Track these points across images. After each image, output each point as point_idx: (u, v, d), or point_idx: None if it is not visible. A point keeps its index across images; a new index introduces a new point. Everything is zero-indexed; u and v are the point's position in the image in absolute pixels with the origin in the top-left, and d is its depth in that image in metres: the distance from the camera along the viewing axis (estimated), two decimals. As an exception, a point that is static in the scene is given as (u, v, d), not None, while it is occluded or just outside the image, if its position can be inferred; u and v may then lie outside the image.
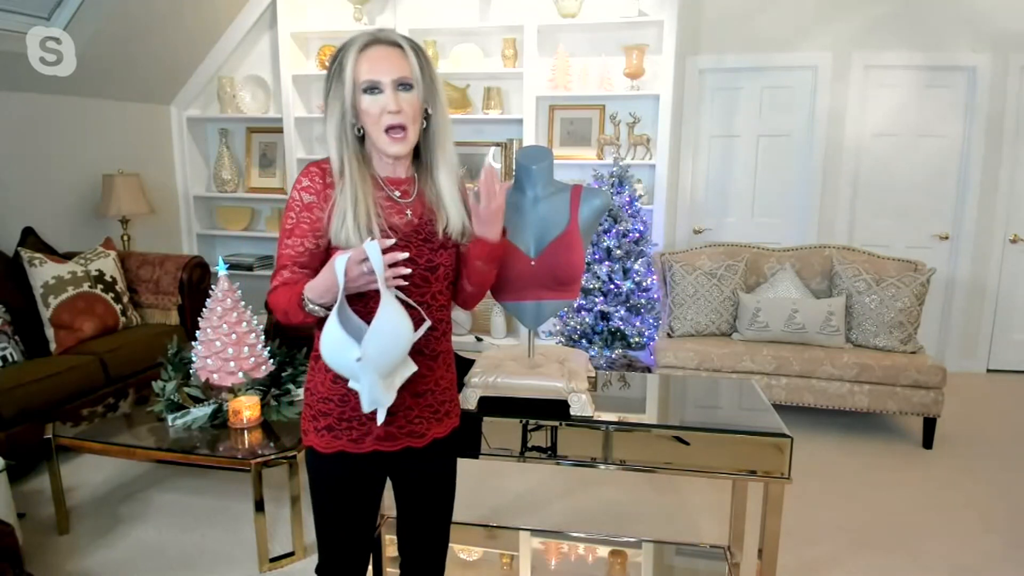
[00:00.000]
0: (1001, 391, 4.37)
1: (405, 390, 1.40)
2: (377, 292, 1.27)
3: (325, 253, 1.41)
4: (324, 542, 1.56)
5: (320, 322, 1.34)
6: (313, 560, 2.16)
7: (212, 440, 2.59)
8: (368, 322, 1.29)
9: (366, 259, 1.23)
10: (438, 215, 1.45)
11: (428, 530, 1.62)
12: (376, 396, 1.32)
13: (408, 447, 1.49)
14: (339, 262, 1.24)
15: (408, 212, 1.43)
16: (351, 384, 1.35)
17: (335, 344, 1.27)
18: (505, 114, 4.64)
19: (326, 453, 1.45)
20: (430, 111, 1.42)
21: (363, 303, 1.38)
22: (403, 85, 1.36)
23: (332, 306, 1.29)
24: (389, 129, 1.37)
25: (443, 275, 1.47)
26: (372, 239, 1.26)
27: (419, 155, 1.48)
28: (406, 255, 1.29)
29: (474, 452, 1.84)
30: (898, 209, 4.64)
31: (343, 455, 1.45)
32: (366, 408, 1.33)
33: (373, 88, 1.35)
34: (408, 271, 1.30)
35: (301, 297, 1.33)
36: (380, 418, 1.36)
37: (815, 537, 2.68)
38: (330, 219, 1.37)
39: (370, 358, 1.26)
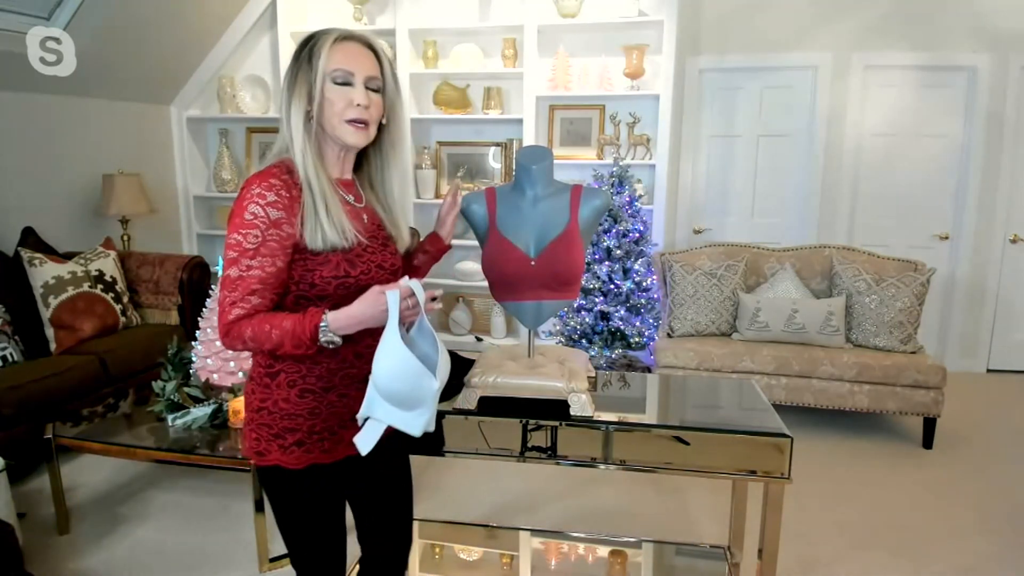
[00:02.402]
0: (1001, 391, 4.37)
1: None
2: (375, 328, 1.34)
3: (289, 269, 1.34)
4: (306, 561, 1.52)
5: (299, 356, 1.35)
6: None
7: (212, 440, 2.59)
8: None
9: (410, 295, 1.30)
10: (393, 231, 1.50)
11: (398, 528, 1.64)
12: (432, 420, 1.35)
13: (376, 445, 1.47)
14: (392, 296, 1.27)
15: (364, 216, 1.45)
16: (366, 414, 1.32)
17: (409, 373, 1.27)
18: (505, 114, 4.64)
19: (297, 469, 1.41)
20: (384, 121, 1.44)
21: (355, 355, 1.42)
22: (372, 87, 1.39)
23: (341, 338, 1.33)
24: (351, 121, 1.36)
25: (400, 276, 1.49)
26: (409, 278, 1.33)
27: (360, 165, 1.51)
28: (441, 291, 1.37)
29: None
30: (898, 209, 4.64)
31: (315, 468, 1.42)
32: (418, 433, 1.33)
33: (344, 80, 1.35)
34: (439, 305, 1.36)
35: (316, 327, 1.27)
36: (368, 448, 1.34)
37: (815, 537, 2.68)
38: (303, 225, 1.32)
39: (441, 385, 1.32)
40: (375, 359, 1.28)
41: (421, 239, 1.76)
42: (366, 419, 1.34)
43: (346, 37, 1.38)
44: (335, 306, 1.33)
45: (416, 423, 1.32)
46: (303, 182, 1.33)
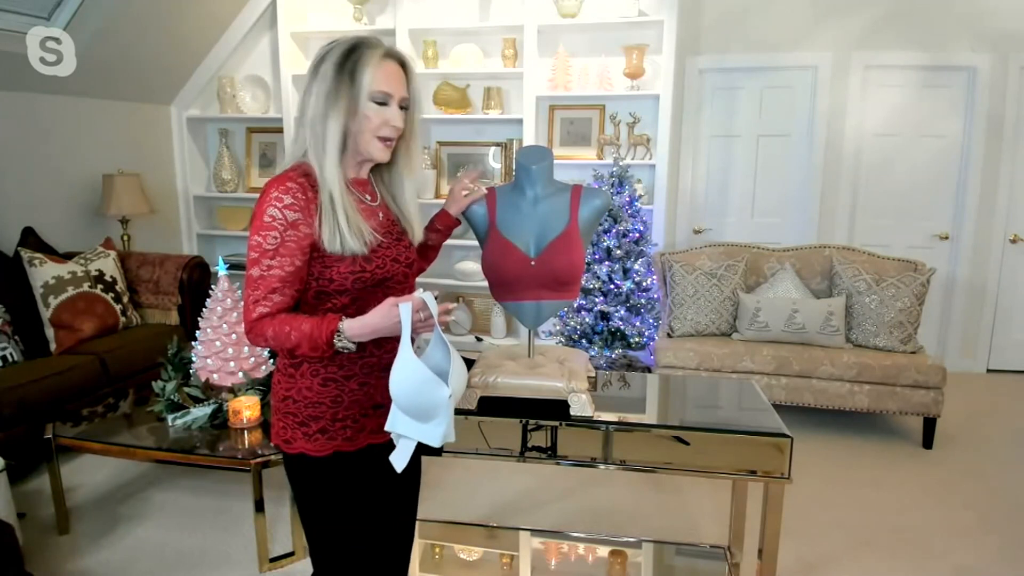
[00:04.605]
0: (1001, 391, 4.37)
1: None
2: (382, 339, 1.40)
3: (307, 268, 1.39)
4: (327, 552, 1.52)
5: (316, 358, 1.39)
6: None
7: (212, 440, 2.58)
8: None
9: (423, 308, 1.32)
10: (407, 227, 1.54)
11: (403, 523, 1.66)
12: (451, 430, 1.36)
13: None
14: (404, 309, 1.30)
15: (380, 214, 1.49)
16: (391, 428, 1.35)
17: (422, 383, 1.29)
18: (505, 114, 4.64)
19: (321, 456, 1.44)
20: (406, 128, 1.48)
21: (375, 344, 1.45)
22: (403, 105, 1.43)
23: (356, 345, 1.37)
24: (382, 138, 1.42)
25: (416, 269, 1.57)
26: (424, 290, 1.35)
27: (376, 164, 1.54)
28: (456, 304, 1.44)
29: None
30: (898, 209, 4.64)
31: (339, 455, 1.45)
32: (437, 444, 1.35)
33: (383, 101, 1.39)
34: (453, 317, 1.37)
35: (332, 333, 1.32)
36: (402, 465, 1.37)
37: (815, 537, 2.68)
38: (321, 227, 1.36)
39: (454, 394, 1.34)
40: (391, 372, 1.31)
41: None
42: (399, 437, 1.37)
43: (388, 55, 1.40)
44: (353, 300, 1.40)
45: (434, 434, 1.34)
46: (323, 192, 1.37)
